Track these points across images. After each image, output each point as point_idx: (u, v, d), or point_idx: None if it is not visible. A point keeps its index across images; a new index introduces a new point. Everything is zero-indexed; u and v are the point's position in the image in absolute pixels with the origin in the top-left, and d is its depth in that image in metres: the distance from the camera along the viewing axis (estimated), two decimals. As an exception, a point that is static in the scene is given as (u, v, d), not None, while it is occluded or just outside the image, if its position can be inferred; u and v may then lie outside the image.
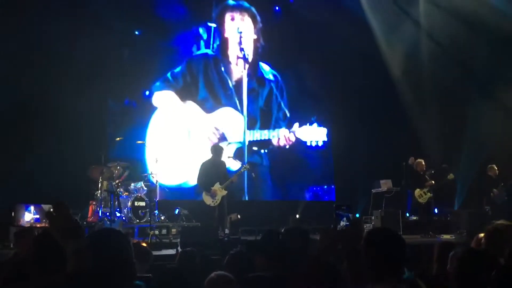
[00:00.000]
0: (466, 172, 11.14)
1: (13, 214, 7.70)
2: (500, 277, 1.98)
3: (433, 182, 9.84)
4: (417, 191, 9.80)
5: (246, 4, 12.11)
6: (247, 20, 12.12)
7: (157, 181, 9.00)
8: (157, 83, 11.22)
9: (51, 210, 1.69)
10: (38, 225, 7.47)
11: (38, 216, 7.74)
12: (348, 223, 2.22)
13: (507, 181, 10.19)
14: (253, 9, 12.15)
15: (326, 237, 2.21)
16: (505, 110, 11.69)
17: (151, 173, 9.25)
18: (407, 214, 10.79)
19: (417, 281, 3.52)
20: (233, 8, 12.03)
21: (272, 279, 3.00)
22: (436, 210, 11.13)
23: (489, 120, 11.55)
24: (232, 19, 11.99)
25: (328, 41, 11.91)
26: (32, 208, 7.80)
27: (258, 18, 12.20)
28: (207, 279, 2.94)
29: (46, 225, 1.83)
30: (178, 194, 10.49)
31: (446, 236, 9.12)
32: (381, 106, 12.10)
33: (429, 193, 9.80)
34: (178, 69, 11.49)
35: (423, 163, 10.01)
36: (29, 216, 7.77)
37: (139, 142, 9.79)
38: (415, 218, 10.57)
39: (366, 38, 11.68)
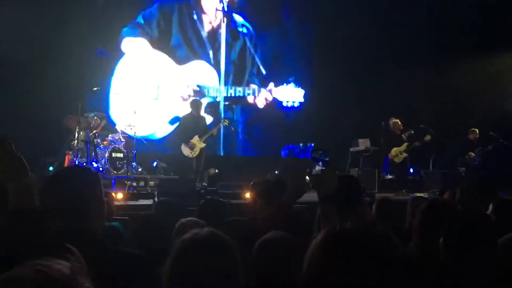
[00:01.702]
0: (444, 134, 11.26)
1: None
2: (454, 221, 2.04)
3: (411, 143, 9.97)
4: (393, 151, 9.93)
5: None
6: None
7: (135, 132, 8.91)
8: (125, 28, 10.74)
9: None
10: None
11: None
12: (324, 168, 2.20)
13: (485, 146, 10.41)
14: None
15: (295, 180, 2.21)
16: (493, 75, 11.79)
17: (130, 125, 9.12)
18: (384, 173, 10.98)
19: (389, 234, 3.62)
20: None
21: (247, 223, 3.06)
22: (411, 170, 11.35)
23: (476, 83, 11.66)
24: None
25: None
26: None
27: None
28: (177, 224, 2.98)
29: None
30: (148, 146, 10.28)
31: (419, 194, 9.29)
32: (362, 64, 12.03)
33: (404, 153, 9.95)
34: (149, 12, 10.99)
35: (399, 122, 10.08)
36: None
37: (95, 88, 8.94)
38: (390, 177, 10.77)
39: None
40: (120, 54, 10.75)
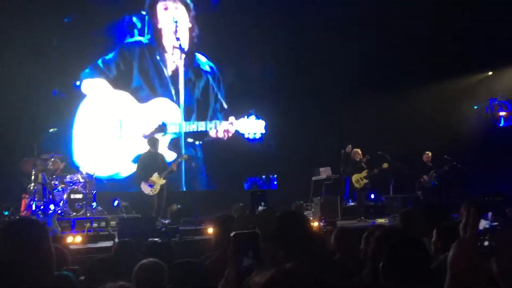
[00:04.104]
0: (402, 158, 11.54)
1: None
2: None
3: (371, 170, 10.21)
4: (354, 177, 10.16)
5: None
6: (181, 8, 11.95)
7: (94, 172, 8.76)
8: (87, 70, 10.84)
9: None
10: None
11: None
12: (265, 207, 2.27)
13: (438, 169, 10.74)
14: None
15: (241, 222, 2.25)
16: (444, 98, 12.29)
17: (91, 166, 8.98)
18: (348, 200, 11.15)
19: (346, 262, 3.66)
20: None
21: (200, 264, 3.06)
22: (372, 196, 11.58)
23: (426, 107, 12.11)
24: (166, 8, 11.80)
25: (263, 32, 11.94)
26: None
27: (191, 6, 12.04)
28: (138, 266, 2.93)
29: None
30: (110, 185, 10.18)
31: (380, 220, 9.51)
32: (320, 95, 12.31)
33: (365, 179, 10.17)
34: (110, 56, 11.17)
35: (360, 152, 10.36)
36: None
37: (52, 130, 8.74)
38: (353, 204, 10.93)
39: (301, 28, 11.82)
40: (82, 96, 10.71)
